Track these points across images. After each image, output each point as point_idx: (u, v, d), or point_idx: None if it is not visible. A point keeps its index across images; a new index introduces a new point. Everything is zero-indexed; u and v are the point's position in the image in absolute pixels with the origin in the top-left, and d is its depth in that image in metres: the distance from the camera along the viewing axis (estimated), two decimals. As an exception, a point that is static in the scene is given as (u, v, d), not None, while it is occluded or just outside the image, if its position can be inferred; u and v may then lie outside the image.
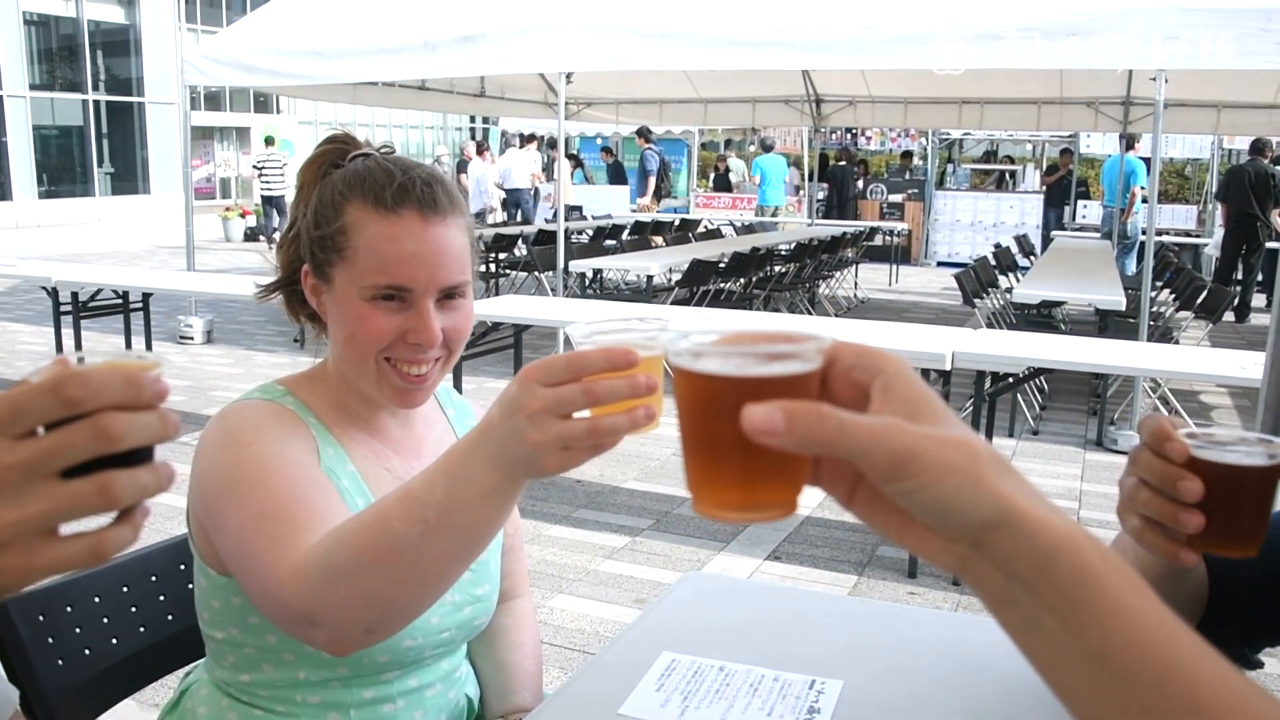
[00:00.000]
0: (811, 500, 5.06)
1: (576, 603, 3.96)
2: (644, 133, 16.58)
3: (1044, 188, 17.65)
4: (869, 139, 22.40)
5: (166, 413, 0.63)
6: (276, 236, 14.90)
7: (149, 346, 7.05)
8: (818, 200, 17.40)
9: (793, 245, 10.15)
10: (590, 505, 5.01)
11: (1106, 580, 0.57)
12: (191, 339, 9.33)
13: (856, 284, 13.35)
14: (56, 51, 29.04)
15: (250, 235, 21.22)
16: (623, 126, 16.86)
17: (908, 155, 20.01)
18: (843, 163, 18.28)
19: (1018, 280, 8.93)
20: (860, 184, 18.42)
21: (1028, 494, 0.58)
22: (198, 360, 8.64)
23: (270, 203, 18.13)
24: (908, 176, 18.69)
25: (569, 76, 7.49)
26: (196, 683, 1.48)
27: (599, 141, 21.28)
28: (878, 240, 15.10)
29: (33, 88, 27.72)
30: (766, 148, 16.46)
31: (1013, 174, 20.56)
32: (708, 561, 4.34)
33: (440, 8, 7.64)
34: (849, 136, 21.29)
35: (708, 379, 0.60)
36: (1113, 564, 0.58)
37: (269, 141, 18.63)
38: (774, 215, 16.32)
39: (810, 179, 16.99)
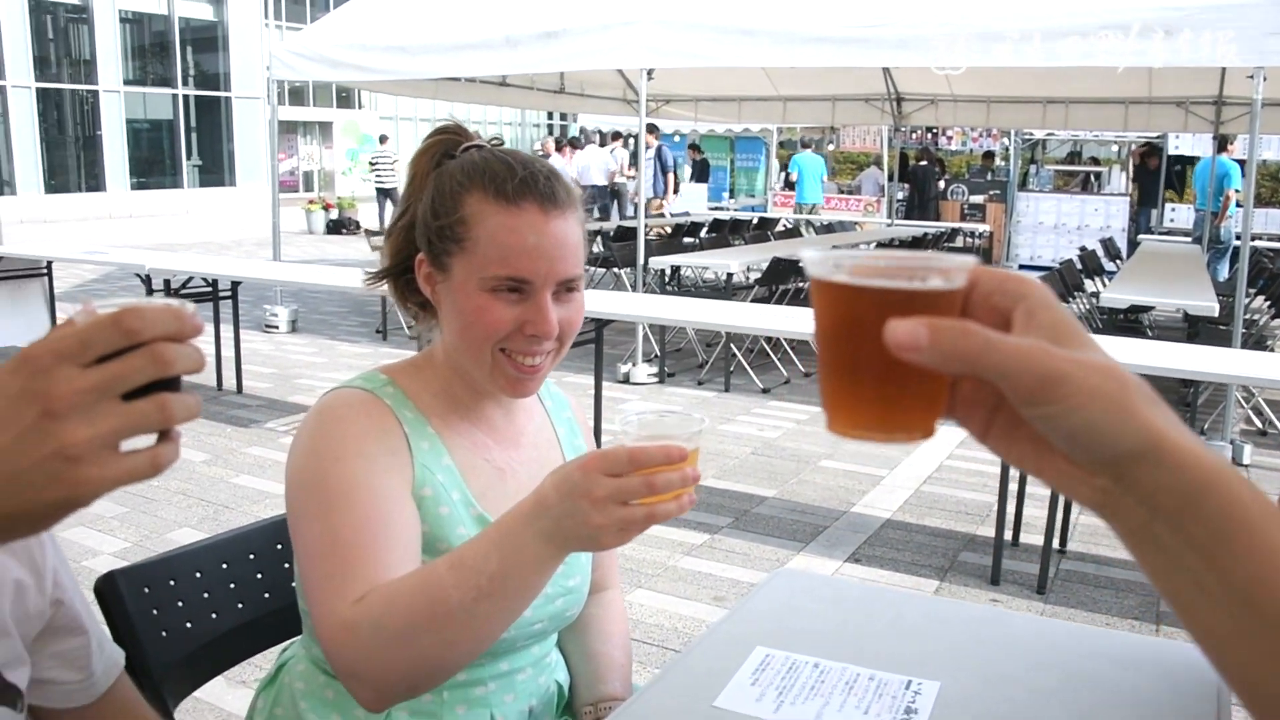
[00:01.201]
0: (892, 503, 5.02)
1: (655, 598, 3.96)
2: (652, 129, 16.48)
3: (1133, 179, 17.24)
4: (950, 139, 22.14)
5: (199, 347, 0.70)
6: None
7: (236, 335, 7.17)
8: (898, 200, 17.22)
9: (872, 245, 10.05)
10: (668, 502, 5.00)
11: (1257, 518, 0.54)
12: (277, 328, 9.51)
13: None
14: (149, 48, 29.76)
15: (333, 228, 21.58)
16: (701, 124, 16.82)
17: (989, 155, 19.72)
18: (924, 162, 18.05)
19: (1104, 285, 8.75)
20: (941, 184, 18.19)
21: (1176, 426, 0.56)
22: (282, 349, 8.81)
23: (385, 194, 19.90)
24: (989, 177, 18.42)
25: (650, 73, 7.48)
26: (294, 658, 1.50)
27: (676, 139, 21.26)
28: (959, 242, 14.91)
29: (127, 83, 28.46)
30: (804, 145, 16.35)
31: (1098, 176, 20.15)
32: (787, 561, 4.31)
33: (523, 4, 7.69)
34: (929, 136, 21.05)
35: (852, 291, 0.59)
36: (1264, 503, 0.55)
37: (383, 139, 20.69)
38: (811, 212, 16.23)
39: (891, 179, 16.81)
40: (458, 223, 1.32)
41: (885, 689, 1.35)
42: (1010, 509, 4.31)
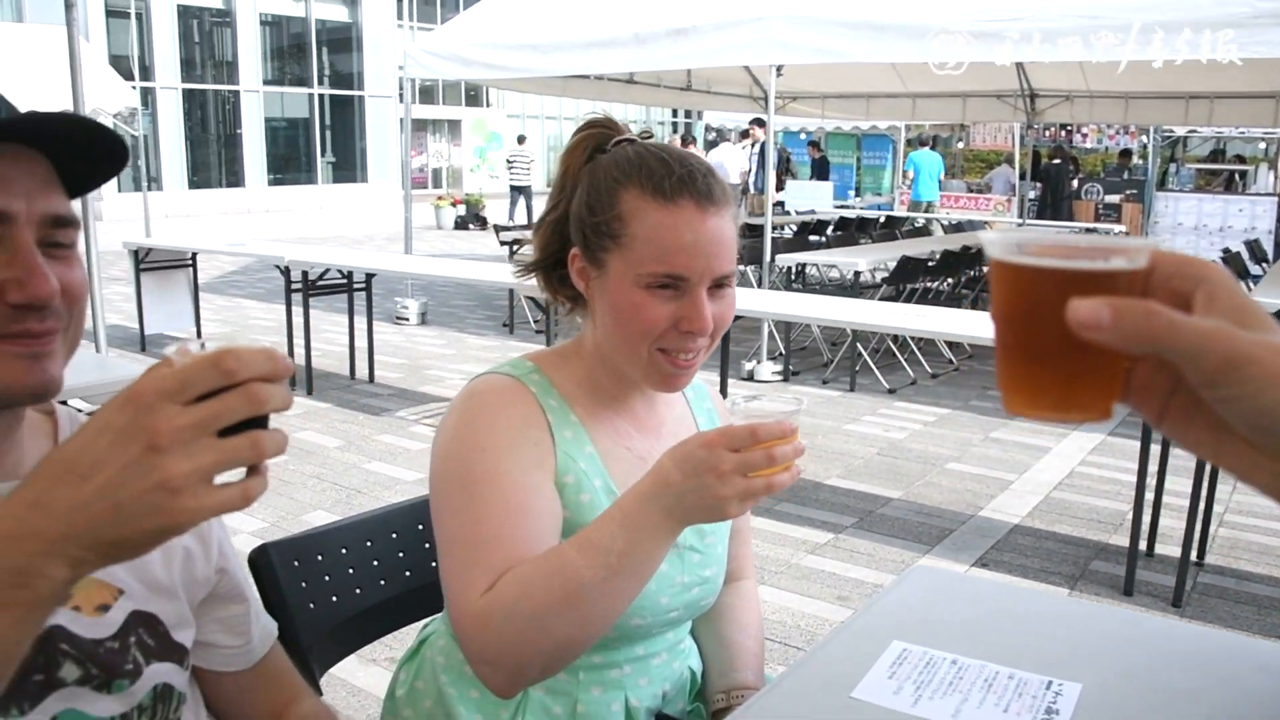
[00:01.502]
0: (1021, 508, 4.91)
1: (778, 595, 3.94)
2: (760, 123, 16.29)
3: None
4: (1084, 136, 21.51)
5: (288, 388, 0.75)
6: (522, 220, 15.70)
7: (370, 326, 7.38)
8: (1029, 200, 16.80)
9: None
10: (793, 500, 4.98)
11: None
12: (407, 320, 9.75)
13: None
14: (287, 49, 30.72)
15: (460, 224, 22.01)
16: (828, 121, 16.67)
17: (1126, 154, 19.11)
18: (1057, 161, 17.56)
19: (1249, 289, 8.40)
20: (1075, 183, 17.67)
21: None
22: (412, 340, 9.02)
23: (519, 191, 20.69)
24: (1126, 176, 17.85)
25: (779, 70, 7.45)
26: (435, 634, 1.54)
27: (803, 136, 21.11)
28: (1093, 242, 14.46)
29: (265, 83, 29.43)
30: (921, 142, 16.07)
31: (1243, 174, 19.36)
32: (912, 563, 4.26)
33: (652, 1, 7.72)
34: (1063, 133, 20.49)
35: (1033, 271, 0.60)
36: None
37: (521, 140, 21.48)
38: (927, 210, 15.93)
39: (1022, 178, 16.42)
40: (614, 219, 1.33)
41: (1025, 688, 1.32)
42: (1146, 518, 4.17)
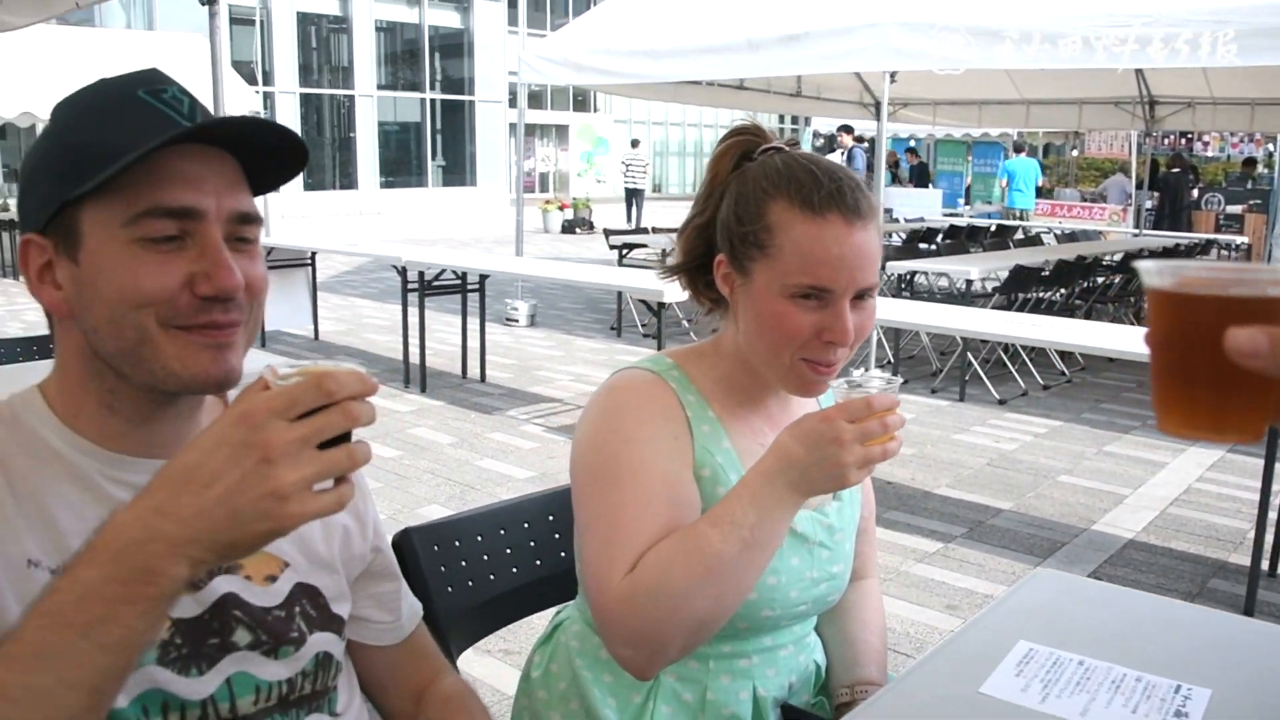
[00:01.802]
0: (1136, 523, 4.82)
1: (887, 602, 3.89)
2: (847, 129, 16.10)
3: None
4: (1205, 144, 20.93)
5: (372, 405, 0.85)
6: (633, 224, 15.87)
7: (482, 326, 7.53)
8: (1146, 209, 16.38)
9: (1120, 256, 9.62)
10: (901, 508, 4.96)
11: None
12: (516, 321, 9.92)
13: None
14: (400, 55, 31.37)
15: (567, 227, 22.27)
16: (938, 128, 16.47)
17: (1250, 162, 18.51)
18: (1176, 169, 17.10)
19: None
20: (1194, 193, 17.18)
21: None
22: (522, 341, 9.18)
23: (632, 195, 21.53)
24: (1249, 186, 17.28)
25: (893, 76, 7.41)
26: (569, 620, 1.60)
27: (913, 142, 20.89)
28: (1213, 254, 14.05)
29: (379, 88, 30.09)
30: (1017, 149, 15.79)
31: (1376, 185, 18.60)
32: (1023, 574, 4.21)
33: (764, 7, 7.74)
34: (1183, 141, 19.95)
35: (1192, 300, 0.63)
36: None
37: (635, 144, 22.20)
38: (1021, 218, 15.65)
39: (1139, 186, 16.01)
40: (762, 230, 1.36)
41: (1153, 691, 1.33)
42: (1269, 537, 4.07)
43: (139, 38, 17.74)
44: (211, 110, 1.08)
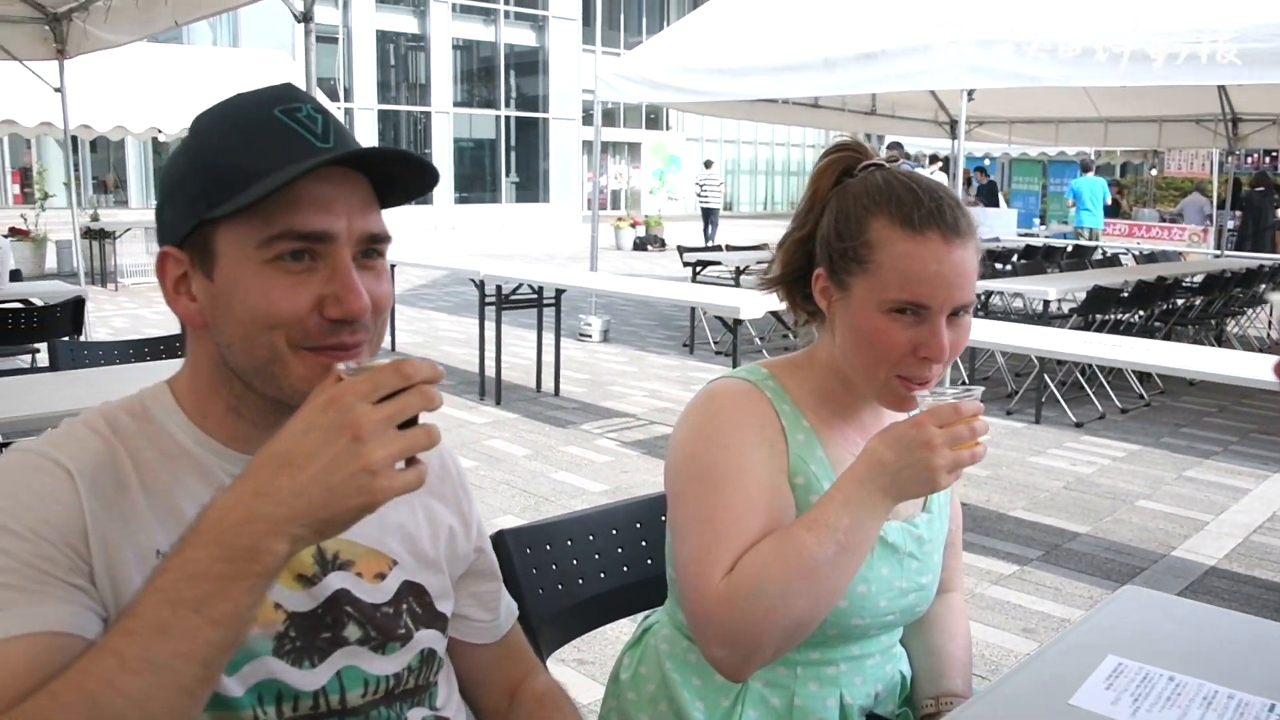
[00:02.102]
0: (1217, 549, 4.74)
1: (962, 621, 3.91)
2: (897, 145, 15.97)
3: None
4: (1292, 163, 20.45)
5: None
6: (710, 242, 15.96)
7: (557, 341, 7.62)
8: (1228, 230, 16.05)
9: (1201, 277, 9.45)
10: (977, 530, 4.93)
11: None
12: (590, 336, 10.01)
13: (1271, 323, 12.22)
14: (477, 72, 31.78)
15: (639, 245, 22.39)
16: (1014, 146, 16.30)
17: (1338, 183, 18.04)
18: (1259, 189, 16.73)
19: None
20: (1279, 213, 16.79)
21: None
22: (595, 356, 9.25)
23: (707, 214, 21.53)
24: (1337, 206, 16.85)
25: (970, 94, 7.37)
26: (658, 624, 1.64)
27: (987, 161, 20.69)
28: (1299, 277, 13.73)
29: (455, 105, 30.49)
30: (1085, 168, 15.61)
31: None
32: (1100, 599, 4.17)
33: (841, 25, 7.74)
34: (1267, 159, 19.53)
35: None
36: None
37: (708, 164, 22.29)
38: (1090, 238, 15.44)
39: (1221, 206, 15.71)
40: (862, 245, 1.39)
41: (1246, 709, 1.33)
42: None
43: (225, 55, 18.18)
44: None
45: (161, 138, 13.55)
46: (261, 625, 1.07)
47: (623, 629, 1.71)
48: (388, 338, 8.95)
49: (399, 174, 1.10)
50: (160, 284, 1.10)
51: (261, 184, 0.99)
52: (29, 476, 1.01)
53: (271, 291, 1.01)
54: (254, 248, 1.01)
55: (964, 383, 7.68)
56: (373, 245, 1.07)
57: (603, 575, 1.84)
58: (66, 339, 4.71)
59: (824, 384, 1.52)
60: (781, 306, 1.61)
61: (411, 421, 0.89)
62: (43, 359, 6.04)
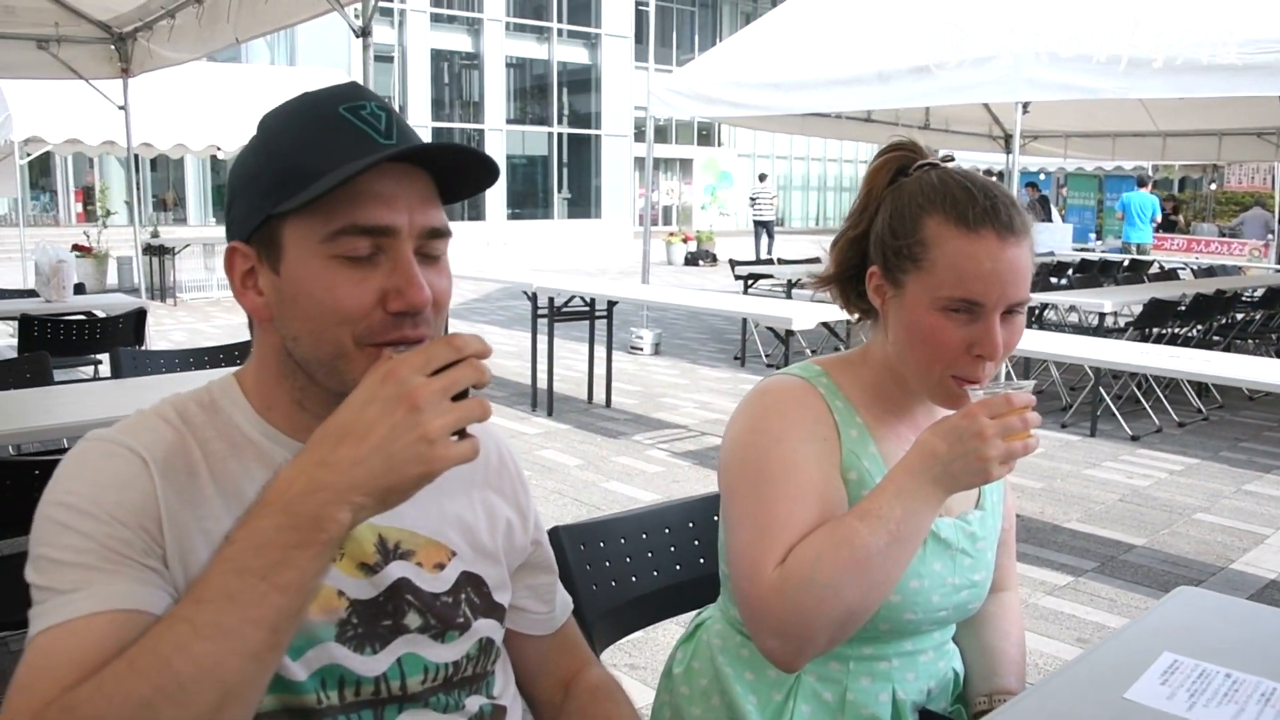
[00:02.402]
0: (1277, 563, 4.66)
1: (1016, 632, 3.88)
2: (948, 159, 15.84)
3: None
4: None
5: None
6: (764, 255, 15.95)
7: (609, 353, 7.66)
8: (1290, 245, 15.79)
9: (1261, 291, 9.31)
10: (1030, 541, 4.88)
11: None
12: (641, 349, 10.04)
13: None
14: (530, 90, 32.03)
15: (690, 260, 22.43)
16: (1069, 161, 16.15)
17: (1405, 197, 17.69)
18: (1323, 203, 16.44)
19: None
20: (1344, 228, 16.48)
21: None
22: (646, 369, 9.28)
23: (761, 226, 21.74)
24: (1403, 220, 16.51)
25: (1025, 107, 7.32)
26: (710, 619, 1.66)
27: (1041, 175, 20.50)
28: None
29: (508, 122, 30.75)
30: (1140, 183, 15.47)
31: None
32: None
33: (894, 38, 7.72)
34: (1331, 174, 19.14)
35: None
36: None
37: (762, 178, 22.57)
38: (1138, 252, 15.26)
39: (1282, 220, 15.46)
40: (916, 244, 1.40)
41: (1305, 707, 1.32)
42: None
43: (282, 73, 18.47)
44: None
45: (220, 155, 13.81)
46: (325, 612, 1.10)
47: (673, 633, 1.72)
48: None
49: (460, 170, 1.12)
50: (228, 278, 1.12)
51: (325, 179, 1.02)
52: (105, 463, 1.05)
53: (336, 286, 1.04)
54: (319, 242, 1.04)
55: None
56: (434, 240, 1.09)
57: (655, 573, 1.86)
58: (128, 348, 4.81)
59: (877, 381, 1.53)
60: (833, 316, 1.63)
61: (463, 396, 0.92)
62: (105, 370, 6.18)
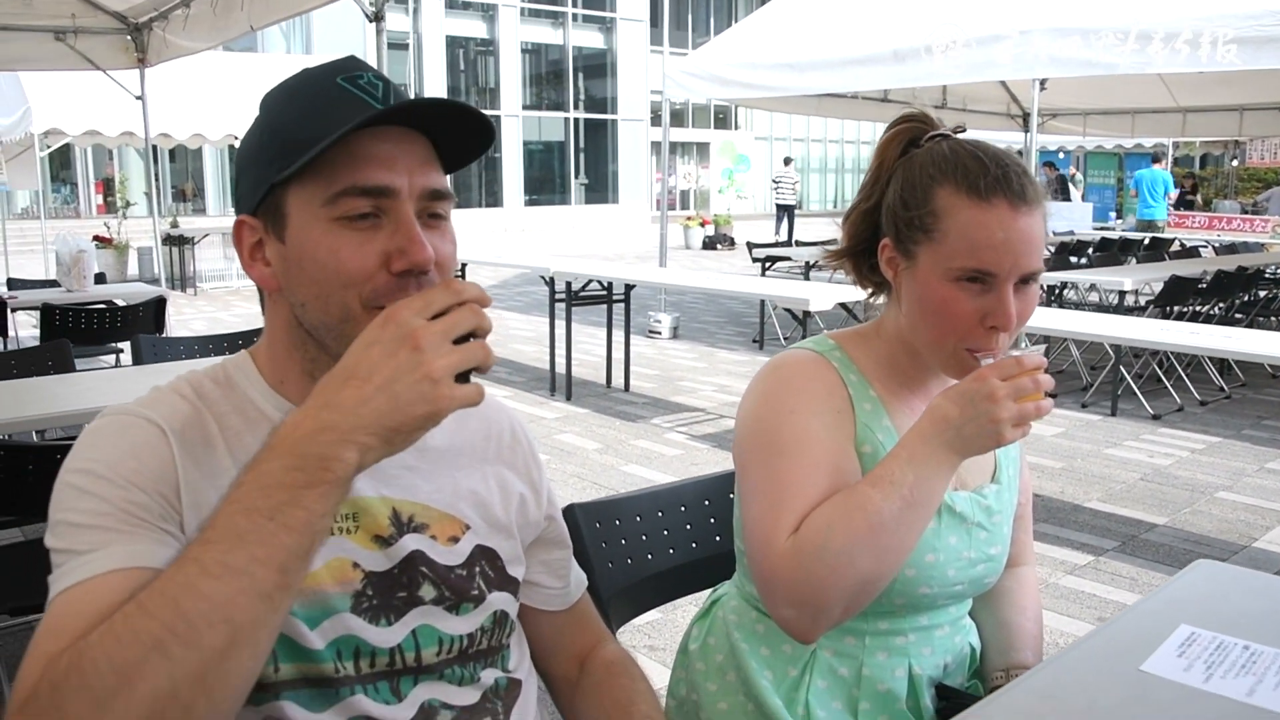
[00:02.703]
0: (1302, 538, 4.63)
1: (1036, 611, 3.87)
2: (959, 130, 15.83)
3: None
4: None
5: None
6: (783, 238, 15.96)
7: (627, 336, 7.67)
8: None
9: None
10: (1050, 520, 4.87)
11: None
12: (659, 334, 10.04)
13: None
14: (545, 76, 31.99)
15: (708, 244, 22.40)
16: (1089, 139, 16.03)
17: None
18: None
19: None
20: (1368, 203, 16.33)
21: None
22: (665, 353, 9.28)
23: (783, 210, 21.90)
24: None
25: (1043, 84, 7.27)
26: (726, 596, 1.66)
27: (1061, 155, 20.36)
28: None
29: (525, 108, 30.71)
30: (1155, 159, 15.43)
31: None
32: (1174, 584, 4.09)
33: (910, 16, 7.67)
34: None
35: None
36: None
37: (787, 161, 22.65)
38: (1150, 229, 15.18)
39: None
40: (928, 214, 1.39)
41: (1324, 678, 1.32)
42: None
43: (298, 62, 18.40)
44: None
45: (238, 145, 13.83)
46: (340, 583, 1.11)
47: (693, 613, 1.73)
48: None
49: (455, 134, 1.13)
50: (238, 252, 1.14)
51: (324, 141, 1.03)
52: (124, 433, 1.06)
53: (340, 249, 1.05)
54: (320, 205, 1.05)
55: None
56: (435, 203, 1.10)
57: (671, 551, 1.86)
58: (148, 335, 4.85)
59: (890, 354, 1.52)
60: (851, 297, 1.62)
61: (465, 340, 0.93)
62: (126, 359, 6.22)
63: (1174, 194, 16.91)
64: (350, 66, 1.12)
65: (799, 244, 11.36)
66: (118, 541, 0.98)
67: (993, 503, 1.53)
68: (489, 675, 1.23)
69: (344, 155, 1.04)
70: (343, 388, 0.91)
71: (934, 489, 1.31)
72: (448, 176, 1.15)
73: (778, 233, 20.62)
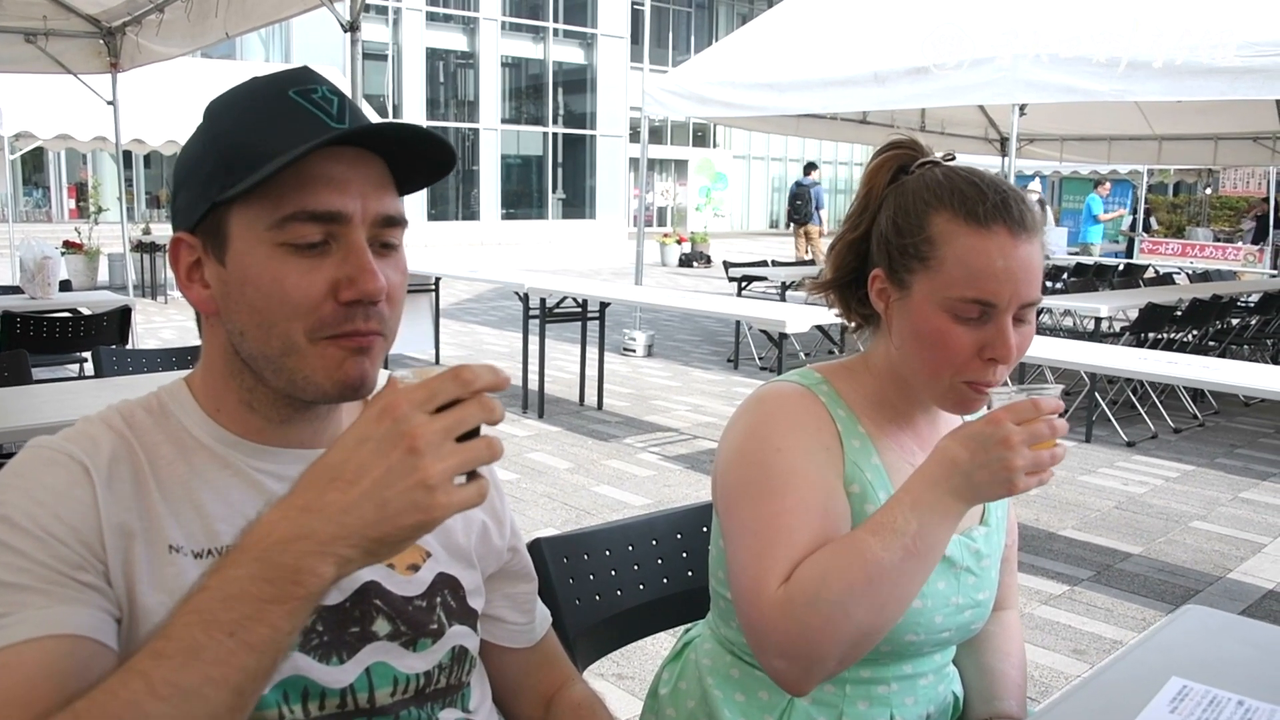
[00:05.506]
0: (1276, 573, 4.62)
1: (1011, 642, 3.82)
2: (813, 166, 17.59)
3: None
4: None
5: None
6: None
7: (601, 354, 7.60)
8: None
9: (1258, 296, 9.26)
10: (1025, 549, 4.82)
11: None
12: (634, 351, 9.98)
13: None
14: (525, 90, 31.98)
15: (684, 261, 22.37)
16: (1065, 164, 16.13)
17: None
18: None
19: None
20: (1339, 233, 16.49)
21: None
22: (639, 371, 9.21)
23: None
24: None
25: (1023, 109, 7.27)
26: (699, 638, 1.58)
27: (1036, 179, 20.47)
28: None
29: (503, 122, 30.68)
30: (1097, 185, 15.87)
31: None
32: (1154, 621, 4.05)
33: (891, 39, 7.67)
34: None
35: None
36: None
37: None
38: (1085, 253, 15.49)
39: (1278, 226, 15.44)
40: (923, 241, 1.32)
41: (1322, 737, 1.26)
42: None
43: (276, 69, 18.39)
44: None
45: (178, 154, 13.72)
46: None
47: (663, 643, 1.65)
48: (431, 352, 9.01)
49: (415, 156, 1.07)
50: (173, 271, 1.07)
51: (272, 163, 0.96)
52: (44, 472, 0.99)
53: (285, 276, 0.98)
54: (266, 229, 0.98)
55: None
56: (388, 230, 1.04)
57: (641, 587, 1.80)
58: (112, 347, 4.74)
59: (879, 389, 1.45)
60: (827, 320, 1.55)
61: (473, 434, 0.83)
62: (90, 369, 6.11)
63: (1105, 215, 17.13)
64: (303, 78, 1.05)
65: (775, 264, 11.32)
66: (34, 604, 0.90)
67: (981, 546, 1.47)
68: (448, 716, 1.16)
69: (293, 176, 0.97)
70: (327, 489, 0.82)
71: (938, 538, 1.22)
72: (401, 199, 1.09)
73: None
